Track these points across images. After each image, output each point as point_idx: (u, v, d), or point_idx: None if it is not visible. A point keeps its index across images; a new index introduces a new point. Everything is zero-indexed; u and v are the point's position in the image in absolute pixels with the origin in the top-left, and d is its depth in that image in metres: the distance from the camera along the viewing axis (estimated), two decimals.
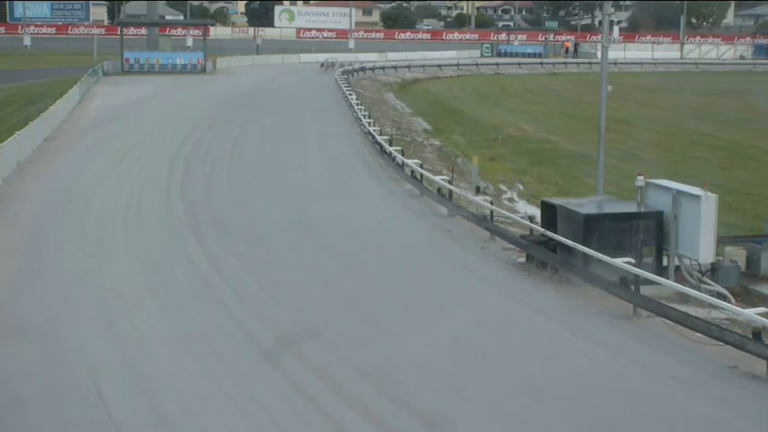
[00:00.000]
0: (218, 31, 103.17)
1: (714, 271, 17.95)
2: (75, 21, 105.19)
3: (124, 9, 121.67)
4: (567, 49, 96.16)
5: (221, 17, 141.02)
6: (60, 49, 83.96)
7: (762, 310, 13.72)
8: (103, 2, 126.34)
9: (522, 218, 21.00)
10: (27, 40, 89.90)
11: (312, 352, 13.30)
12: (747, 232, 21.16)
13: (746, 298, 17.65)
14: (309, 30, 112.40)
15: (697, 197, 17.00)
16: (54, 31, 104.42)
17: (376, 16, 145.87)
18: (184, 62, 65.26)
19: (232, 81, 58.63)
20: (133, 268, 17.62)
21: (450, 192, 23.46)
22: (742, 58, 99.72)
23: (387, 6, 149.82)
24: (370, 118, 37.13)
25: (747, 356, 12.95)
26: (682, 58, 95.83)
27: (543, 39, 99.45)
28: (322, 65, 69.50)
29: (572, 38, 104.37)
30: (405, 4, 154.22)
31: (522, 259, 18.71)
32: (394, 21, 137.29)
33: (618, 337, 14.28)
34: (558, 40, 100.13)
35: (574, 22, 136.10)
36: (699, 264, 17.57)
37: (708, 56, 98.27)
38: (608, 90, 22.58)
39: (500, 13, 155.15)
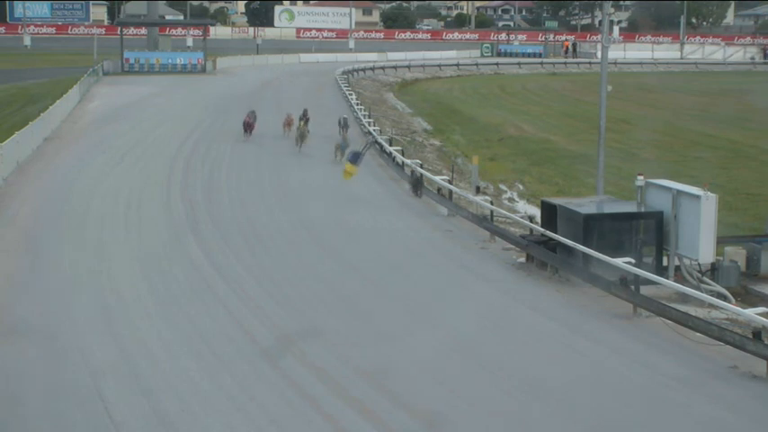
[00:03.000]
0: (218, 31, 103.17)
1: (714, 271, 17.95)
2: (75, 21, 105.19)
3: (124, 9, 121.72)
4: (567, 48, 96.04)
5: (221, 17, 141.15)
6: (60, 49, 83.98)
7: (762, 310, 13.72)
8: (103, 2, 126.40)
9: (522, 218, 20.99)
10: (27, 40, 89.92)
11: (312, 352, 13.30)
12: (747, 232, 21.16)
13: (746, 298, 17.65)
14: (309, 30, 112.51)
15: (697, 197, 17.00)
16: (54, 31, 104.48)
17: (376, 16, 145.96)
18: (184, 62, 65.20)
19: (232, 81, 58.63)
20: (133, 268, 17.62)
21: (451, 192, 23.46)
22: (752, 59, 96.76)
23: (387, 6, 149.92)
24: (369, 118, 37.13)
25: (747, 356, 12.95)
26: (682, 58, 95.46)
27: (543, 39, 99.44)
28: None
29: (572, 38, 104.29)
30: (405, 4, 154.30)
31: (522, 259, 18.70)
32: (394, 21, 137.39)
33: (618, 336, 14.28)
34: (557, 41, 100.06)
35: (574, 22, 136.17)
36: (699, 264, 17.57)
37: (712, 57, 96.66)
38: (608, 90, 22.57)
39: (500, 13, 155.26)
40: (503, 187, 29.69)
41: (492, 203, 22.34)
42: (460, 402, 11.77)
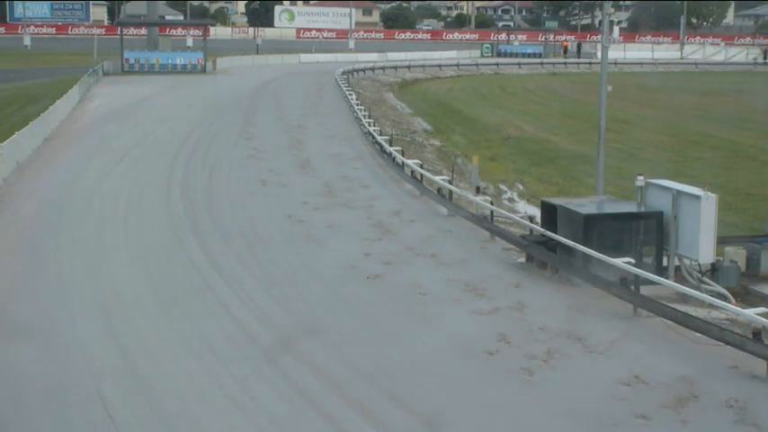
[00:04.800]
0: (218, 32, 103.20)
1: (714, 271, 17.95)
2: (75, 21, 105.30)
3: (124, 9, 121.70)
4: (566, 49, 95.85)
5: (221, 17, 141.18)
6: (60, 49, 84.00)
7: (762, 310, 13.72)
8: (103, 2, 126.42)
9: (522, 218, 20.99)
10: (27, 40, 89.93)
11: (311, 352, 13.30)
12: (747, 232, 21.16)
13: (746, 298, 17.64)
14: (309, 30, 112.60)
15: (697, 197, 17.00)
16: (54, 32, 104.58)
17: (376, 16, 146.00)
18: (184, 62, 65.14)
19: (232, 81, 58.62)
20: (133, 268, 17.62)
21: (451, 192, 23.47)
22: (755, 60, 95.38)
23: (387, 6, 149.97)
24: (369, 118, 37.14)
25: (747, 356, 12.96)
26: (682, 58, 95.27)
27: (543, 39, 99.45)
28: None
29: (572, 38, 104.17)
30: (405, 5, 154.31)
31: (522, 259, 18.70)
32: (394, 21, 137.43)
33: (618, 336, 14.27)
34: (557, 41, 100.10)
35: (574, 23, 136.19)
36: (699, 264, 17.57)
37: (713, 57, 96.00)
38: (608, 90, 22.57)
39: (500, 13, 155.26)
40: (503, 187, 29.68)
41: (492, 203, 22.33)
42: (460, 402, 11.78)
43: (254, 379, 12.38)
